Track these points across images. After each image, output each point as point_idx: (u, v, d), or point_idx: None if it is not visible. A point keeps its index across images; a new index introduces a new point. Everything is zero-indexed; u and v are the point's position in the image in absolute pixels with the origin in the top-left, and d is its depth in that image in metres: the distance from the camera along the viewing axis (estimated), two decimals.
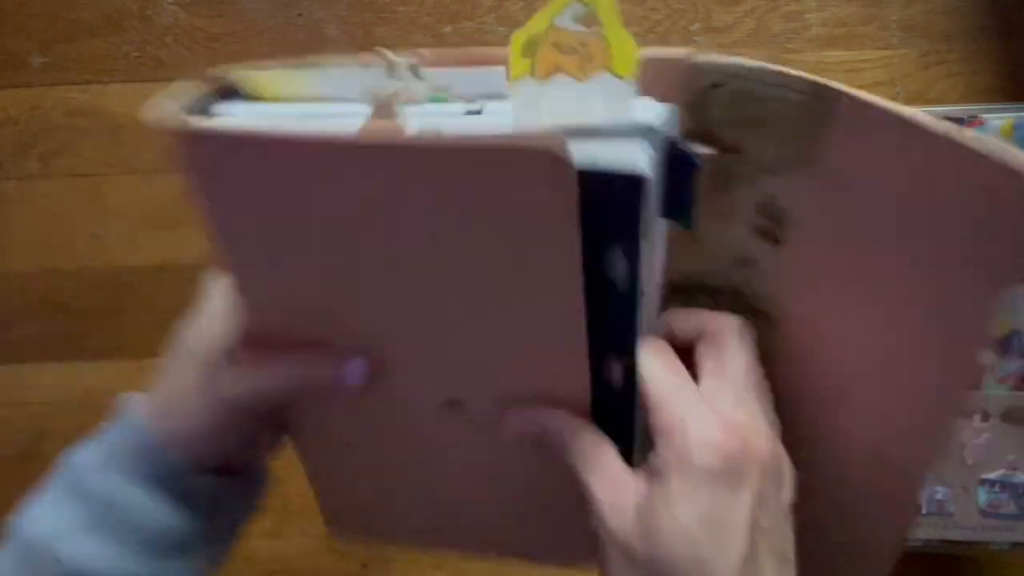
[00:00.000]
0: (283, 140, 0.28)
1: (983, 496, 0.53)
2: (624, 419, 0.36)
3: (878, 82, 0.60)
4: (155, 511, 0.38)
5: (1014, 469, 0.53)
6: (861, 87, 0.55)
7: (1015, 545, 0.53)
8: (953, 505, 0.53)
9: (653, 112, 0.30)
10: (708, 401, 0.32)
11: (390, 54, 0.31)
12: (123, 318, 0.62)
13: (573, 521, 0.37)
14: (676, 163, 0.32)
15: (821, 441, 0.35)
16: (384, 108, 0.31)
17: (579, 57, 0.30)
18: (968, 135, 0.26)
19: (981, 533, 0.53)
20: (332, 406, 0.39)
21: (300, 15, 0.61)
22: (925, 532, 0.53)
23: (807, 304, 0.35)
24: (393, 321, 0.35)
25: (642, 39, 0.59)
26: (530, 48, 0.30)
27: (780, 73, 0.30)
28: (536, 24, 0.29)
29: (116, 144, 0.62)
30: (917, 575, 0.59)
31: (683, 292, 0.37)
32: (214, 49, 0.61)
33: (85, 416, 0.61)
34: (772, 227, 0.34)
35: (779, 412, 0.34)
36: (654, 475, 0.32)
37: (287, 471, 0.61)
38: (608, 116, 0.30)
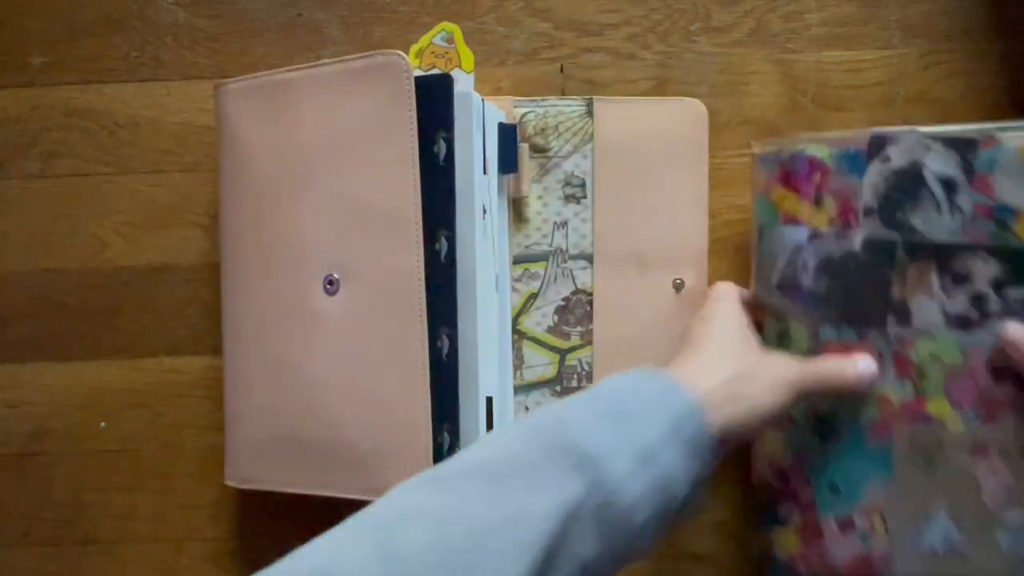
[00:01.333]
0: None
1: (1003, 537, 0.50)
2: (450, 284, 0.53)
3: (878, 82, 0.61)
4: (688, 491, 0.42)
5: None
6: (861, 87, 0.57)
7: None
8: (971, 547, 0.51)
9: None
10: None
11: None
12: (123, 318, 0.63)
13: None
14: (504, 132, 0.57)
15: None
16: None
17: (445, 60, 0.58)
18: None
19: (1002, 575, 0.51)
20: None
21: (300, 15, 0.62)
22: (942, 571, 0.51)
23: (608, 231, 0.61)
24: (296, 220, 0.54)
25: (643, 39, 0.60)
26: (418, 55, 0.59)
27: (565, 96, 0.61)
28: (422, 42, 0.59)
29: (116, 144, 0.63)
30: None
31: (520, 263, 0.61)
32: (214, 49, 0.62)
33: (84, 416, 0.63)
34: (575, 192, 0.61)
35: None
36: None
37: None
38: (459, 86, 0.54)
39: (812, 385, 0.48)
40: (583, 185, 0.61)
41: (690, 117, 0.60)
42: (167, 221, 0.63)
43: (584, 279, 0.61)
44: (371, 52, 0.52)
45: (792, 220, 0.53)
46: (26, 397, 0.63)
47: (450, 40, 0.59)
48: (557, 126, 0.60)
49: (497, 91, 0.62)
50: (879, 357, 0.51)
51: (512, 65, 0.62)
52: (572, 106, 0.60)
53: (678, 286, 0.60)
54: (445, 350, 0.53)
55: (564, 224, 0.61)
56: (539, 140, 0.60)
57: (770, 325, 0.55)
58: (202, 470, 0.63)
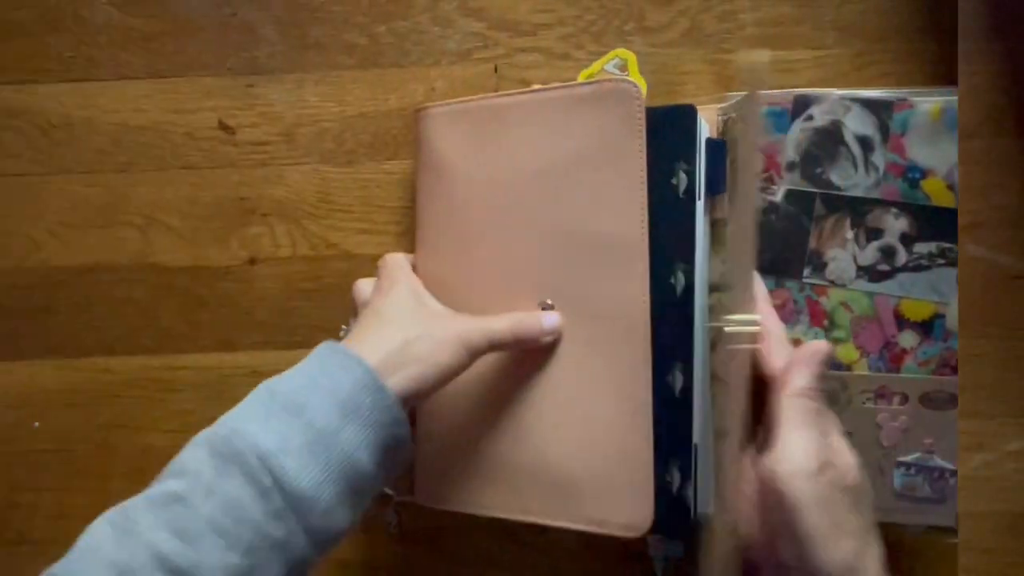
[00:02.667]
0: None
1: (898, 479, 0.55)
2: (684, 319, 0.52)
3: (812, 81, 0.62)
4: (359, 448, 0.44)
5: (930, 452, 0.55)
6: (796, 86, 0.58)
7: (929, 529, 0.56)
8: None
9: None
10: None
11: None
12: (57, 318, 0.64)
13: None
14: (713, 150, 0.53)
15: None
16: None
17: None
18: None
19: (895, 515, 0.56)
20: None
21: (235, 15, 0.63)
22: None
23: None
24: (509, 247, 0.54)
25: (576, 39, 0.62)
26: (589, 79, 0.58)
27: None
28: (594, 68, 0.60)
29: (50, 144, 0.64)
30: None
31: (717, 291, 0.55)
32: (149, 49, 0.63)
33: (17, 416, 0.64)
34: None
35: None
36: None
37: None
38: None
39: (494, 339, 0.50)
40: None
41: None
42: (101, 221, 0.64)
43: None
44: (599, 79, 0.52)
45: None
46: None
47: (623, 68, 0.59)
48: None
49: (431, 91, 0.63)
50: (794, 304, 0.56)
51: (446, 65, 0.63)
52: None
53: None
54: (679, 386, 0.52)
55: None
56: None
57: None
58: (138, 470, 0.64)
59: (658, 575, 0.62)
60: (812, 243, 0.56)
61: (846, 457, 0.47)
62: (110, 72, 0.64)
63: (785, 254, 0.56)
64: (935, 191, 0.55)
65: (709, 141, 0.53)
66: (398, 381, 0.46)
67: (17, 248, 0.64)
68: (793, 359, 0.49)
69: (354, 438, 0.43)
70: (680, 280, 0.52)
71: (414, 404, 0.48)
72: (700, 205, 0.53)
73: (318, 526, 0.42)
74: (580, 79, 0.59)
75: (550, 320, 0.52)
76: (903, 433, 0.56)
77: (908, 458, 0.56)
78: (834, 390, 0.56)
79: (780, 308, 0.56)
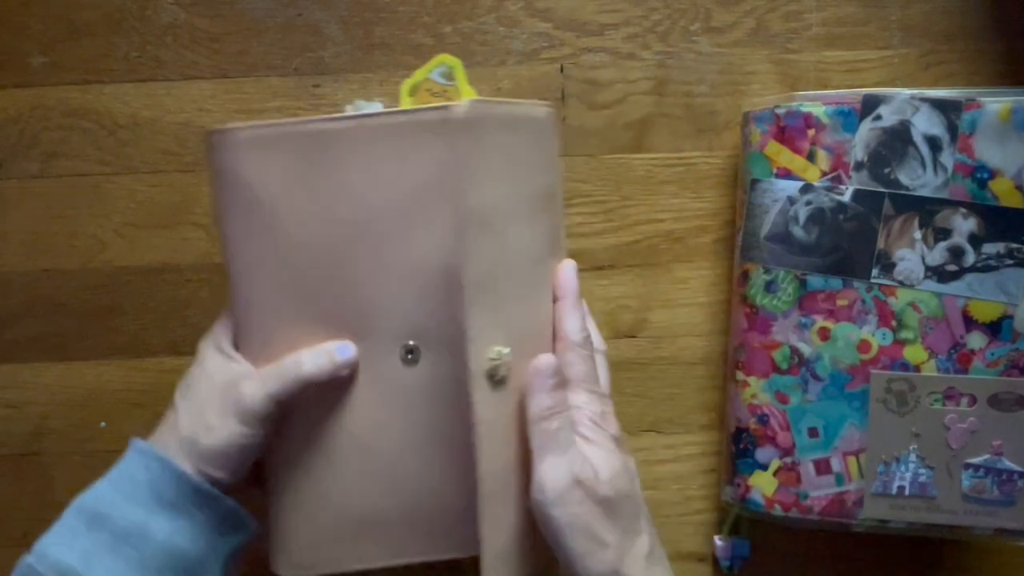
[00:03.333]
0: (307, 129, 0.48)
1: (967, 481, 0.56)
2: None
3: (878, 82, 0.63)
4: (175, 534, 0.47)
5: (999, 454, 0.56)
6: (862, 87, 0.59)
7: (998, 531, 0.57)
8: (936, 489, 0.56)
9: None
10: None
11: None
12: (123, 318, 0.65)
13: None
14: None
15: None
16: None
17: (442, 98, 0.54)
18: None
19: (964, 518, 0.56)
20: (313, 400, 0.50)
21: (300, 15, 0.64)
22: (908, 515, 0.56)
23: None
24: (361, 287, 0.49)
25: (642, 39, 0.62)
26: (413, 91, 0.56)
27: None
28: (418, 76, 0.56)
29: (116, 144, 0.64)
30: (900, 559, 0.62)
31: None
32: (214, 49, 0.64)
33: (84, 416, 0.65)
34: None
35: None
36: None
37: None
38: None
39: (272, 392, 0.48)
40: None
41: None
42: (167, 221, 0.64)
43: None
44: (443, 105, 0.47)
45: (786, 174, 0.57)
46: (26, 397, 0.65)
47: (449, 76, 0.55)
48: None
49: (497, 91, 0.63)
50: (862, 304, 0.57)
51: (512, 65, 0.63)
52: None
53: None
54: None
55: None
56: None
57: (757, 276, 0.58)
58: None
59: None
60: (880, 243, 0.56)
61: (596, 467, 0.46)
62: (176, 72, 0.64)
63: (853, 254, 0.57)
64: (1003, 191, 0.55)
65: None
66: (195, 467, 0.48)
67: (83, 248, 0.65)
68: (524, 384, 0.48)
69: (166, 527, 0.46)
70: None
71: (229, 479, 0.49)
72: None
73: None
74: (403, 90, 0.55)
75: (343, 352, 0.49)
76: (971, 435, 0.56)
77: (977, 460, 0.56)
78: (903, 391, 0.56)
79: (848, 308, 0.57)
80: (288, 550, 0.53)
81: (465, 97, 0.53)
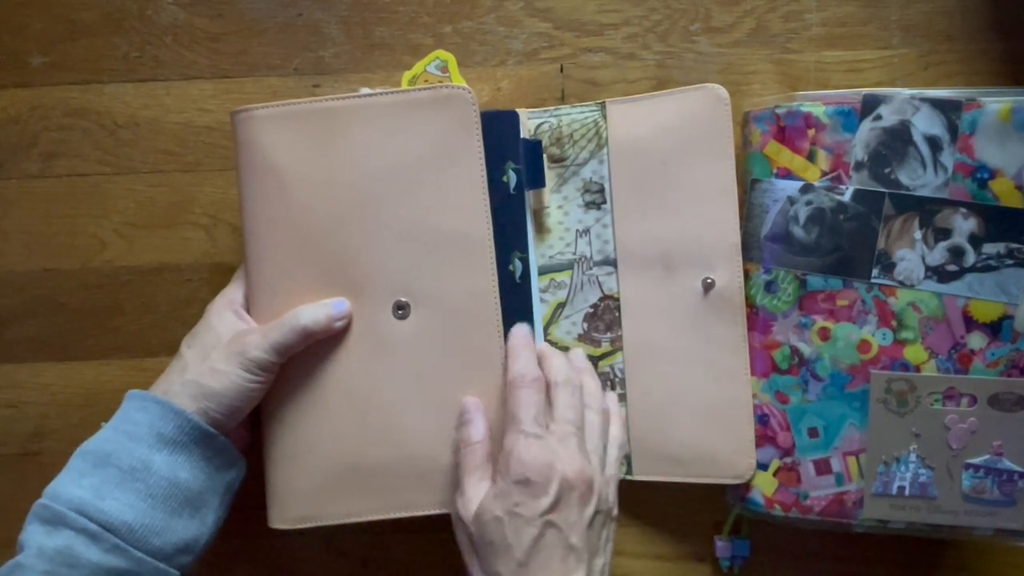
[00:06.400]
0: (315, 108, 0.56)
1: (967, 481, 0.56)
2: (524, 303, 0.58)
3: (878, 82, 0.63)
4: (176, 467, 0.51)
5: (999, 455, 0.56)
6: (862, 86, 0.59)
7: (998, 532, 0.57)
8: (937, 489, 0.56)
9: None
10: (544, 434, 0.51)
11: None
12: (123, 318, 0.65)
13: None
14: (529, 149, 0.59)
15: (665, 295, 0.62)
16: None
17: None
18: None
19: (964, 518, 0.57)
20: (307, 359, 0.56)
21: (300, 15, 0.64)
22: (908, 515, 0.57)
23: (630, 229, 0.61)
24: (358, 248, 0.55)
25: (642, 39, 0.63)
26: (412, 82, 0.63)
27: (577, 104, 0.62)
28: (416, 69, 0.64)
29: (116, 144, 0.65)
30: (900, 559, 0.63)
31: (545, 273, 0.62)
32: (214, 49, 0.64)
33: (84, 416, 0.65)
34: (594, 199, 0.62)
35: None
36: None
37: None
38: None
39: (277, 344, 0.53)
40: (601, 191, 0.62)
41: (710, 104, 0.59)
42: (167, 221, 0.65)
43: (611, 285, 0.62)
44: (434, 86, 0.55)
45: (786, 174, 0.58)
46: (26, 397, 0.65)
47: (444, 68, 0.63)
48: (572, 134, 0.62)
49: (497, 91, 0.64)
50: (862, 304, 0.57)
51: (512, 65, 0.64)
52: (585, 112, 0.62)
53: (708, 286, 0.59)
54: None
55: (586, 231, 0.62)
56: (555, 150, 0.62)
57: (757, 276, 0.59)
58: None
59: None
60: (881, 243, 0.57)
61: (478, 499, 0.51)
62: (175, 72, 0.65)
63: (853, 254, 0.57)
64: (1004, 191, 0.56)
65: (526, 141, 0.59)
66: (197, 407, 0.52)
67: (83, 248, 0.65)
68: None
69: (168, 461, 0.51)
70: (518, 267, 0.58)
71: (227, 421, 0.53)
72: (526, 198, 0.59)
73: (160, 545, 0.50)
74: (404, 81, 0.63)
75: (338, 306, 0.55)
76: (972, 435, 0.56)
77: (977, 460, 0.57)
78: (903, 391, 0.57)
79: (848, 308, 0.57)
80: (280, 503, 0.57)
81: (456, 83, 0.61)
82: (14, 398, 0.66)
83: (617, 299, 0.62)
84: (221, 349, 0.53)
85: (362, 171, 0.55)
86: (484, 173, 0.55)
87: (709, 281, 0.59)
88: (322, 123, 0.55)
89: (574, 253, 0.62)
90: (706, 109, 0.59)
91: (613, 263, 0.62)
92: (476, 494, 0.50)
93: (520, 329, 0.55)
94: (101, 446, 0.51)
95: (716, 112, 0.59)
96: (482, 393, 0.55)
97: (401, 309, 0.55)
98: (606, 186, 0.62)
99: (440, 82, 0.63)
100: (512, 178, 0.57)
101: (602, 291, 0.62)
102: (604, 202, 0.62)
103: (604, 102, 0.61)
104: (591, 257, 0.62)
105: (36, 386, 0.65)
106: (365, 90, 0.55)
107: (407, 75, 0.63)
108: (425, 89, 0.55)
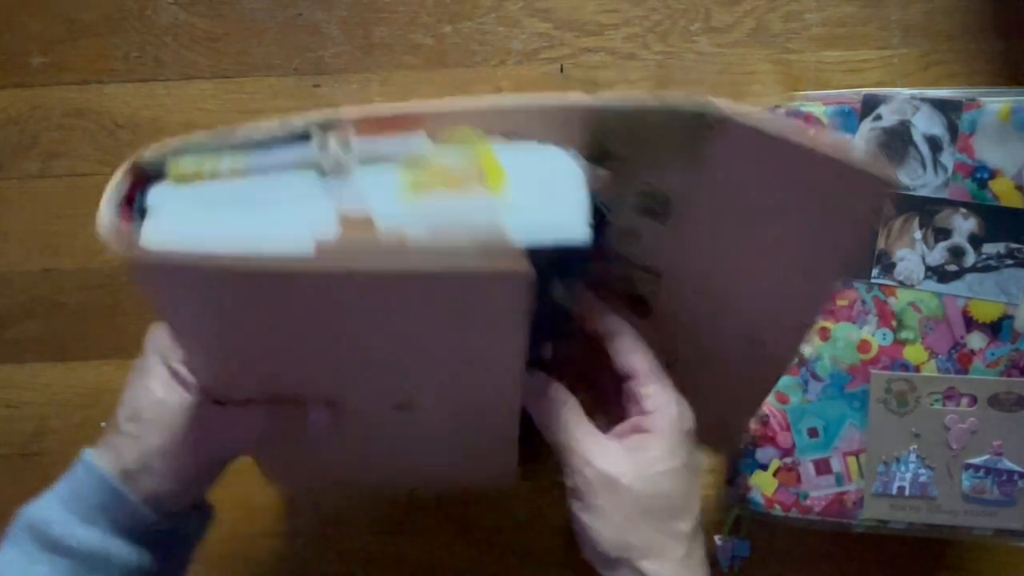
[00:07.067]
0: (238, 266, 0.33)
1: (967, 481, 0.56)
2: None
3: (878, 82, 0.63)
4: (131, 555, 0.45)
5: (999, 455, 0.56)
6: (861, 87, 0.59)
7: (997, 532, 0.57)
8: (936, 489, 0.56)
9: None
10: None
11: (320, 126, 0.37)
12: (123, 318, 0.65)
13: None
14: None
15: (705, 338, 0.48)
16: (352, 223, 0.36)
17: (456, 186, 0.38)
18: (826, 142, 0.37)
19: (964, 518, 0.56)
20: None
21: (300, 15, 0.64)
22: (908, 515, 0.57)
23: (688, 256, 0.45)
24: (352, 372, 0.43)
25: (643, 39, 0.63)
26: (433, 179, 0.39)
27: (671, 108, 0.38)
28: (437, 161, 0.39)
29: (116, 144, 0.65)
30: (900, 559, 0.63)
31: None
32: (214, 49, 0.65)
33: (84, 416, 0.65)
34: (655, 208, 0.45)
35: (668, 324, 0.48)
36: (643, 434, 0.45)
37: None
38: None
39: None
40: (667, 204, 0.44)
41: (868, 188, 0.38)
42: None
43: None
44: (485, 264, 0.34)
45: None
46: (26, 397, 0.66)
47: (462, 153, 0.41)
48: (650, 136, 0.41)
49: (497, 91, 0.64)
50: (862, 304, 0.57)
51: (512, 65, 0.64)
52: (677, 109, 0.39)
53: (755, 342, 0.47)
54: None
55: (633, 232, 0.46)
56: (620, 148, 0.41)
57: None
58: None
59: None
60: (881, 243, 0.57)
61: None
62: (175, 72, 0.65)
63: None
64: (1004, 191, 0.56)
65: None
66: (143, 488, 0.45)
67: (83, 248, 0.65)
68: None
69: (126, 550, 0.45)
70: (546, 352, 0.48)
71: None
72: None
73: None
74: (426, 178, 0.38)
75: (316, 423, 0.45)
76: (972, 435, 0.56)
77: (977, 460, 0.57)
78: (903, 391, 0.57)
79: (848, 308, 0.57)
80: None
81: (491, 179, 0.37)
82: (14, 398, 0.66)
83: None
84: (168, 438, 0.45)
85: (346, 341, 0.40)
86: (523, 345, 0.41)
87: (759, 340, 0.47)
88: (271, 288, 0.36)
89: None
90: (861, 191, 0.38)
91: (655, 272, 0.48)
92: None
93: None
94: (48, 526, 0.44)
95: (875, 200, 0.40)
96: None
97: (404, 407, 0.46)
98: (673, 202, 0.44)
99: (464, 179, 0.38)
100: (560, 290, 0.46)
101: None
102: (667, 217, 0.45)
103: (724, 114, 0.38)
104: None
105: (36, 386, 0.66)
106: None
107: (428, 172, 0.38)
108: (469, 258, 0.35)
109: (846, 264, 0.52)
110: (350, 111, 0.37)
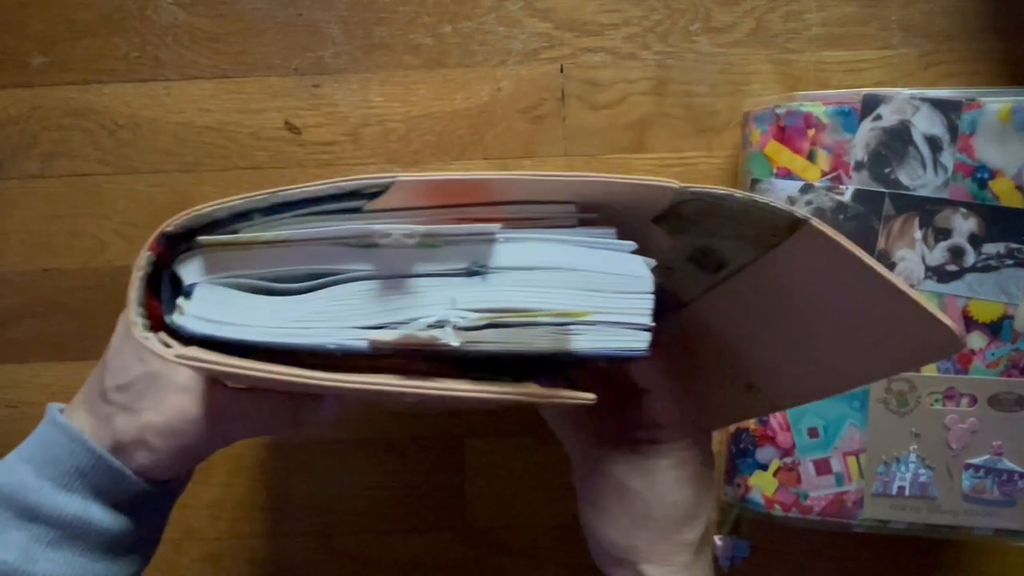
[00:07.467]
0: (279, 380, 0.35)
1: (967, 481, 0.57)
2: None
3: (878, 82, 0.63)
4: (112, 522, 0.44)
5: (999, 455, 0.56)
6: (861, 87, 0.59)
7: (997, 532, 0.57)
8: (937, 489, 0.57)
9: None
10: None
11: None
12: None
13: None
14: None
15: (702, 367, 0.49)
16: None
17: None
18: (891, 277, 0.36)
19: (964, 518, 0.57)
20: None
21: (300, 15, 0.64)
22: (908, 515, 0.57)
23: (719, 307, 0.45)
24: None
25: (643, 39, 0.63)
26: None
27: (766, 206, 0.37)
28: None
29: (116, 144, 0.65)
30: (901, 559, 0.63)
31: None
32: (214, 49, 0.65)
33: None
34: (705, 261, 0.44)
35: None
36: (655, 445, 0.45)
37: (287, 470, 0.65)
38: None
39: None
40: (722, 264, 0.44)
41: (931, 337, 0.37)
42: (167, 221, 0.65)
43: None
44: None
45: (786, 174, 0.58)
46: (26, 397, 0.65)
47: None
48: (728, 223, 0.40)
49: (497, 91, 0.64)
50: None
51: (512, 65, 0.64)
52: (767, 210, 0.38)
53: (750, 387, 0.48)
54: None
55: (669, 272, 0.44)
56: (690, 217, 0.40)
57: None
58: (202, 469, 0.65)
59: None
60: (881, 243, 0.57)
61: None
62: (176, 72, 0.65)
63: None
64: (1004, 191, 0.56)
65: None
66: (136, 462, 0.44)
67: (83, 248, 0.65)
68: None
69: (108, 518, 0.43)
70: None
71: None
72: None
73: None
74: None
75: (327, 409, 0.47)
76: (971, 435, 0.57)
77: (977, 460, 0.57)
78: (903, 391, 0.57)
79: None
80: None
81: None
82: (14, 398, 0.66)
83: None
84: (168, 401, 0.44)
85: None
86: None
87: (756, 387, 0.48)
88: None
89: None
90: (928, 338, 0.37)
91: (680, 302, 0.49)
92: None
93: None
94: (20, 493, 0.43)
95: (937, 353, 0.39)
96: None
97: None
98: (728, 266, 0.43)
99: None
100: None
101: None
102: (714, 274, 0.44)
103: (806, 219, 0.37)
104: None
105: (36, 386, 0.65)
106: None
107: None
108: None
109: (869, 382, 0.54)
110: (406, 177, 0.35)
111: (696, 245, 0.43)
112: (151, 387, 0.44)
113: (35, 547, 0.42)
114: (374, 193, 0.35)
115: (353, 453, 0.65)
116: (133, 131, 0.65)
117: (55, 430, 0.44)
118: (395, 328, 0.35)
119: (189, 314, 0.36)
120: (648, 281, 0.38)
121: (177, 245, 0.37)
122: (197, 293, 0.37)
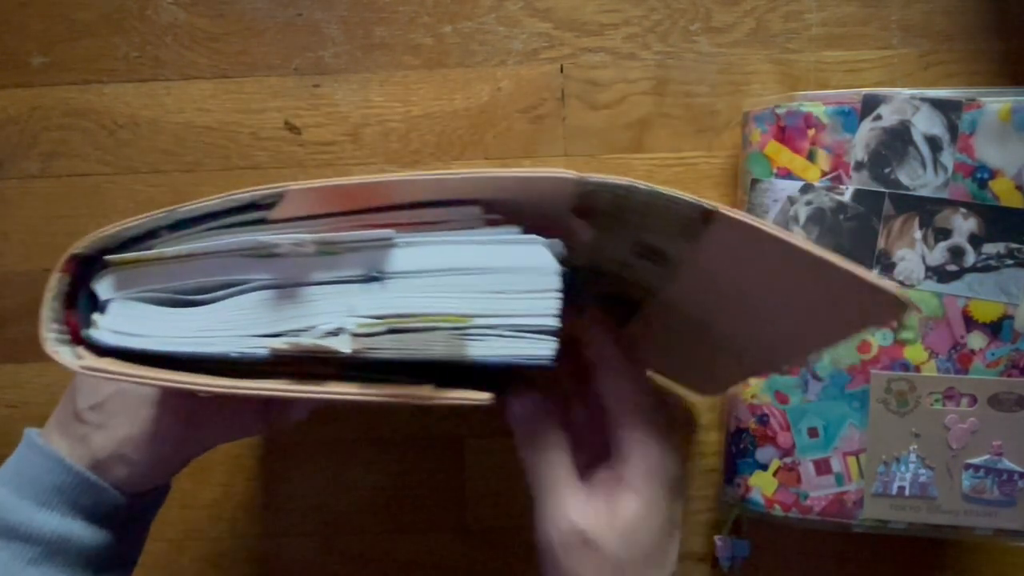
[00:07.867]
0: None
1: (967, 481, 0.57)
2: None
3: (878, 82, 0.63)
4: (92, 537, 0.45)
5: (999, 455, 0.56)
6: (861, 87, 0.59)
7: (997, 532, 0.57)
8: (937, 489, 0.56)
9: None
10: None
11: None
12: None
13: None
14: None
15: (687, 342, 0.50)
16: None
17: None
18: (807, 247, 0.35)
19: (964, 518, 0.57)
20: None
21: (300, 15, 0.64)
22: (908, 515, 0.57)
23: (683, 293, 0.45)
24: None
25: (643, 39, 0.63)
26: None
27: (671, 197, 0.36)
28: None
29: (116, 144, 0.65)
30: (900, 559, 0.63)
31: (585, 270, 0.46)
32: (214, 49, 0.65)
33: None
34: (652, 256, 0.43)
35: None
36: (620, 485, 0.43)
37: (287, 470, 0.65)
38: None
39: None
40: (664, 256, 0.43)
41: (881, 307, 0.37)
42: None
43: None
44: None
45: (786, 174, 0.58)
46: (26, 397, 0.65)
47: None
48: (647, 216, 0.39)
49: (497, 91, 0.64)
50: None
51: (512, 65, 0.64)
52: (674, 202, 0.37)
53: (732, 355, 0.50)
54: None
55: (628, 266, 0.46)
56: (607, 212, 0.40)
57: None
58: (202, 470, 0.65)
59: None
60: (881, 243, 0.57)
61: None
62: (176, 72, 0.65)
63: (853, 254, 0.57)
64: (1004, 191, 0.56)
65: None
66: (115, 476, 0.45)
67: None
68: None
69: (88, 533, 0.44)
70: None
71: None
72: None
73: None
74: None
75: (298, 414, 0.51)
76: (972, 435, 0.57)
77: (977, 460, 0.57)
78: (903, 391, 0.57)
79: None
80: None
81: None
82: (15, 398, 0.66)
83: None
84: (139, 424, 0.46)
85: None
86: None
87: (736, 355, 0.50)
88: None
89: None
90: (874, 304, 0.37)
91: (648, 290, 0.48)
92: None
93: None
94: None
95: (885, 317, 0.39)
96: None
97: None
98: (670, 258, 0.42)
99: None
100: None
101: None
102: (664, 265, 0.43)
103: (715, 208, 0.37)
104: None
105: (37, 386, 0.65)
106: None
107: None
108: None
109: (830, 347, 0.55)
110: (296, 186, 0.35)
111: (633, 239, 0.42)
112: (123, 403, 0.46)
113: (16, 565, 0.43)
114: (270, 204, 0.36)
115: (353, 453, 0.65)
116: (133, 131, 0.65)
117: (32, 452, 0.45)
118: (295, 336, 0.36)
119: (103, 328, 0.38)
120: (554, 278, 0.36)
121: (94, 264, 0.39)
122: (111, 308, 0.38)
